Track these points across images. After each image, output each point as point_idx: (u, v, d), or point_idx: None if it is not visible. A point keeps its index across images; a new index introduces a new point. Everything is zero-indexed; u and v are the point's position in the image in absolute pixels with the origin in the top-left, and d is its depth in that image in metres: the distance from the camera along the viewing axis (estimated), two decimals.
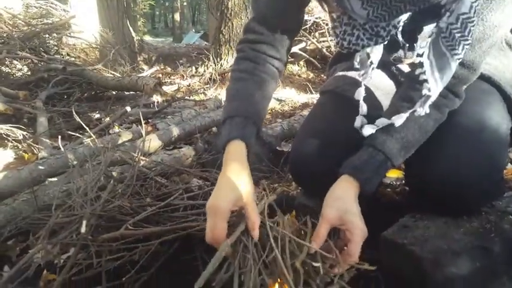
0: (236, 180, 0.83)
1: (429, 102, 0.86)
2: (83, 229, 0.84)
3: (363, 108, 0.98)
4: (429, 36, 0.84)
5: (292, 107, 2.95)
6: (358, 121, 0.96)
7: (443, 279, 0.84)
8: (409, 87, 0.93)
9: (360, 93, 0.97)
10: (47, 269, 1.08)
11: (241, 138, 0.90)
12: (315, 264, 0.83)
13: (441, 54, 0.83)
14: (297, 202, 1.29)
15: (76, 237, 0.93)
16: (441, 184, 0.94)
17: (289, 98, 3.44)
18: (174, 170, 1.41)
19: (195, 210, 1.14)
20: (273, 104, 3.05)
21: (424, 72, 0.84)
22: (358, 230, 0.83)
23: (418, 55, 0.84)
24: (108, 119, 2.63)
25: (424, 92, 0.85)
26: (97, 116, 3.00)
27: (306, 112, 2.41)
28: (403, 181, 1.40)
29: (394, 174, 1.50)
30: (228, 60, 4.34)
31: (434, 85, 0.84)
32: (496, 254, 0.87)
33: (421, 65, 0.84)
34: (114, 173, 1.31)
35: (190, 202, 1.17)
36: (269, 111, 2.75)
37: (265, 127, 2.18)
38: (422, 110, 0.88)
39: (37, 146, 2.09)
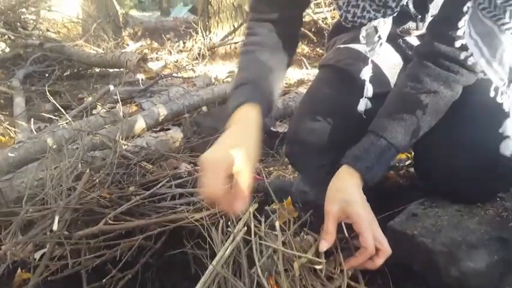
0: (241, 140, 0.76)
1: (492, 88, 0.72)
2: (55, 226, 0.74)
3: (368, 90, 0.89)
4: (466, 12, 0.71)
5: (286, 84, 2.81)
6: (362, 104, 0.89)
7: (458, 274, 0.77)
8: (421, 66, 0.83)
9: (366, 73, 0.88)
10: (21, 267, 0.98)
11: (256, 102, 0.83)
12: (317, 267, 0.77)
13: (486, 29, 0.69)
14: (294, 188, 1.20)
15: (50, 234, 0.82)
16: (454, 173, 0.86)
17: None
18: (160, 155, 1.30)
19: (184, 200, 1.04)
20: None
21: (471, 55, 0.72)
22: (362, 220, 0.77)
23: (458, 37, 0.74)
24: (90, 98, 2.48)
25: (480, 76, 0.75)
26: (79, 95, 2.84)
27: (301, 89, 2.28)
28: (407, 162, 1.32)
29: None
30: (218, 34, 4.14)
31: (488, 68, 0.70)
32: None
33: (464, 47, 0.73)
34: (93, 159, 1.19)
35: (179, 190, 1.08)
36: None
37: None
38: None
39: (14, 129, 1.95)
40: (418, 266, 0.86)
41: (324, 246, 0.78)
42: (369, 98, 0.89)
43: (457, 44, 0.75)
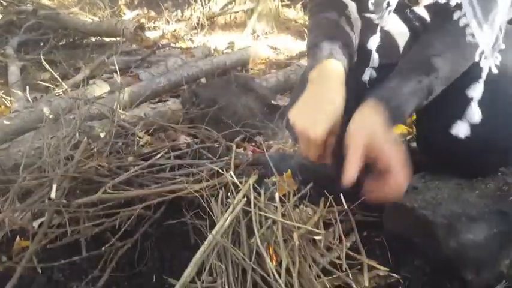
0: (333, 105, 0.74)
1: (477, 51, 0.69)
2: (53, 194, 0.73)
3: (374, 59, 0.86)
4: None
5: (288, 56, 2.75)
6: (367, 74, 0.85)
7: (457, 246, 0.77)
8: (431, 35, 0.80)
9: (374, 42, 0.84)
10: (20, 235, 0.98)
11: (338, 59, 0.79)
12: (316, 238, 0.77)
13: None
14: (294, 161, 1.19)
15: (48, 202, 0.82)
16: (455, 146, 0.84)
17: (284, 46, 3.21)
18: (159, 126, 1.28)
19: (183, 171, 1.03)
20: (267, 53, 2.85)
21: (464, 15, 0.69)
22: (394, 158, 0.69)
23: None
24: (86, 68, 2.43)
25: (468, 39, 0.71)
26: (76, 65, 2.77)
27: (303, 62, 2.23)
28: (408, 137, 1.31)
29: (397, 130, 1.41)
30: (217, 3, 4.02)
31: (478, 30, 0.66)
32: None
33: (459, 6, 0.69)
34: (90, 129, 1.17)
35: (178, 161, 1.06)
36: (263, 61, 2.57)
37: (259, 78, 2.03)
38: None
39: (9, 98, 1.91)
40: (418, 238, 0.86)
41: (349, 176, 0.68)
42: (374, 68, 0.86)
43: (453, 2, 0.70)
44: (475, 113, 0.73)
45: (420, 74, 0.77)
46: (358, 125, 0.72)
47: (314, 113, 0.74)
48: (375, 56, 0.86)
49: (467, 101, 0.76)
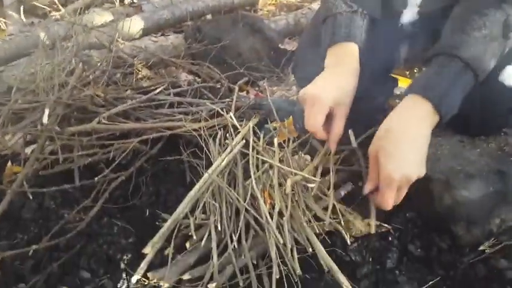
0: (345, 83, 0.78)
1: None
2: (45, 118, 0.71)
3: None
4: None
5: None
6: (408, 15, 0.84)
7: (452, 202, 0.77)
8: None
9: None
10: (12, 161, 0.97)
11: (354, 41, 0.80)
12: (310, 185, 0.76)
13: None
14: (296, 108, 1.15)
15: (40, 127, 0.80)
16: (468, 98, 0.81)
17: None
18: (159, 60, 1.23)
19: (183, 109, 1.00)
20: None
21: None
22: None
23: None
24: None
25: None
26: None
27: (315, 5, 2.11)
28: None
29: (405, 84, 1.36)
30: None
31: None
32: None
33: None
34: (88, 58, 1.12)
35: (177, 99, 1.03)
36: (273, 2, 2.42)
37: (268, 20, 1.92)
38: None
39: (4, 20, 1.82)
40: (412, 192, 0.86)
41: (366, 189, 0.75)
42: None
43: None
44: None
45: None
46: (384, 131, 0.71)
47: (325, 85, 0.78)
48: None
49: None
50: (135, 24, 1.63)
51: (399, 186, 0.68)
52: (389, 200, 0.69)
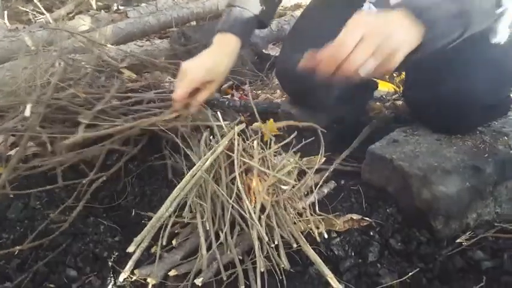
0: (218, 59, 0.90)
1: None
2: (27, 112, 0.71)
3: None
4: None
5: (282, 6, 2.63)
6: (366, 8, 0.82)
7: (430, 197, 0.79)
8: None
9: None
10: None
11: (239, 34, 0.93)
12: (283, 187, 0.78)
13: None
14: (281, 109, 1.17)
15: (22, 126, 0.80)
16: (439, 101, 0.84)
17: None
18: (143, 63, 1.23)
19: (162, 105, 1.01)
20: None
21: None
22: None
23: None
24: (71, 2, 2.29)
25: None
26: None
27: (297, 13, 2.15)
28: (394, 96, 1.31)
29: (384, 88, 1.40)
30: None
31: None
32: (487, 175, 0.82)
33: None
34: (73, 62, 1.12)
35: (159, 96, 1.03)
36: None
37: None
38: None
39: None
40: (393, 188, 0.88)
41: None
42: (372, 3, 0.83)
43: None
44: None
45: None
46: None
47: (199, 62, 0.90)
48: None
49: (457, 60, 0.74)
50: (119, 31, 1.64)
51: (368, 35, 0.56)
52: (359, 52, 0.55)
